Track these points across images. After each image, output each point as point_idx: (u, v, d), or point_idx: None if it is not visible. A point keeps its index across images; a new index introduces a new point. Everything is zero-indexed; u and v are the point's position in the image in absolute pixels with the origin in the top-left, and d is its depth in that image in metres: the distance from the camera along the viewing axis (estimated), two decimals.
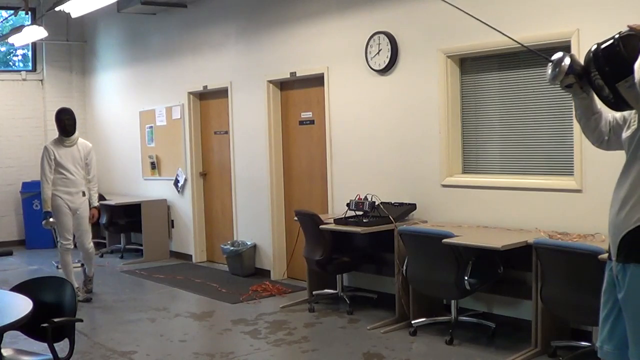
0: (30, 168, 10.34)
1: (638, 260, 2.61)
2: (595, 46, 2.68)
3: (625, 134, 2.80)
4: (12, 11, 10.77)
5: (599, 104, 2.82)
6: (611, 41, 2.63)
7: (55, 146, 6.69)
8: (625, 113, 2.82)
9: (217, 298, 6.80)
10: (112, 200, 9.34)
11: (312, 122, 7.21)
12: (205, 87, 8.45)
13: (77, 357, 4.70)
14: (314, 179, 7.21)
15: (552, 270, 4.45)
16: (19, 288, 3.69)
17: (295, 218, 6.35)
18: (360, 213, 5.84)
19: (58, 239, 6.78)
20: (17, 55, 11.53)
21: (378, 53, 6.21)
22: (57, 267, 8.09)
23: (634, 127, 2.75)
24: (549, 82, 2.86)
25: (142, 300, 6.93)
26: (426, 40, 5.84)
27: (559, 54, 2.78)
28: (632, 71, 2.51)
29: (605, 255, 2.91)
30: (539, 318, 4.65)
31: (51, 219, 6.64)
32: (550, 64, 2.81)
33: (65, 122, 6.72)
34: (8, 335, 3.58)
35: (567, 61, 2.74)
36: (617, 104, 2.68)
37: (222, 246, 8.00)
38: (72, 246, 6.78)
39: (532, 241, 4.58)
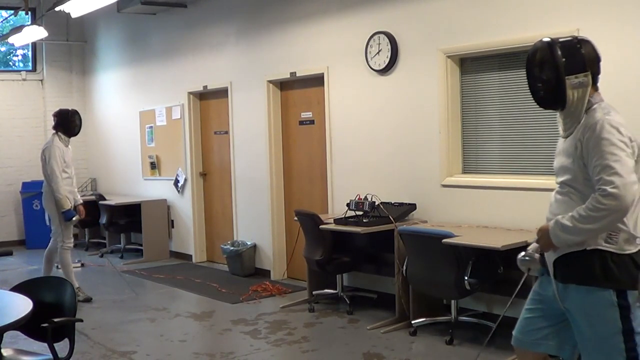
0: (30, 168, 10.35)
1: (576, 282, 2.80)
2: (549, 38, 2.82)
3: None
4: (12, 11, 10.78)
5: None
6: (570, 38, 2.80)
7: (61, 146, 6.71)
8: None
9: (217, 298, 6.80)
10: (112, 200, 9.35)
11: (312, 122, 7.20)
12: (205, 87, 8.45)
13: (77, 357, 4.69)
14: (314, 179, 7.21)
15: None
16: (19, 288, 3.69)
17: (295, 218, 6.35)
18: (360, 213, 5.84)
19: (60, 238, 6.75)
20: (17, 55, 11.53)
21: (378, 53, 6.21)
22: (57, 267, 8.08)
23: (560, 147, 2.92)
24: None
25: (142, 300, 6.93)
26: (426, 40, 5.84)
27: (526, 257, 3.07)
28: (585, 69, 2.72)
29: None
30: None
31: (74, 217, 6.64)
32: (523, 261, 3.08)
33: (78, 123, 6.83)
34: (8, 335, 3.59)
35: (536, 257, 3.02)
36: (548, 100, 2.83)
37: (222, 246, 8.00)
38: (73, 246, 6.82)
39: (532, 241, 4.56)
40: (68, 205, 6.59)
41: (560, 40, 2.80)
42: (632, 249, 2.75)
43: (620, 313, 2.72)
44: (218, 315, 6.21)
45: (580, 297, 2.80)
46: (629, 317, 2.73)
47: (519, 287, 3.41)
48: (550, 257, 2.90)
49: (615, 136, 2.65)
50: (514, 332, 3.14)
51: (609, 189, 2.60)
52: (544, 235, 2.86)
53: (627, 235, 2.73)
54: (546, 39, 2.83)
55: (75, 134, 6.86)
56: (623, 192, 2.58)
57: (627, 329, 2.72)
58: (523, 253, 3.09)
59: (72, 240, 6.78)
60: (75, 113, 6.87)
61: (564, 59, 2.75)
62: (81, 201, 7.00)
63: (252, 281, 7.34)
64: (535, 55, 2.85)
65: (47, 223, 6.92)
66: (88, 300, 6.78)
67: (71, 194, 6.76)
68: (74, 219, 6.64)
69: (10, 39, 9.16)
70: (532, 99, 5.48)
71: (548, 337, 3.00)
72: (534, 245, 3.10)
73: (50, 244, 6.89)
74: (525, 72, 2.95)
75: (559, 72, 2.75)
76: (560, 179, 2.88)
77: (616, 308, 2.72)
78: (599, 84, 2.86)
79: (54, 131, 6.78)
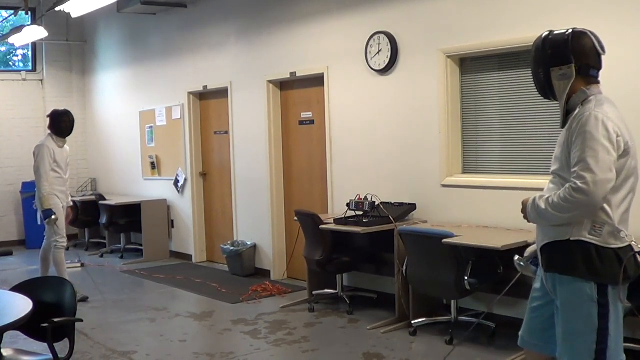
0: (30, 168, 10.13)
1: (558, 271, 2.82)
2: (547, 32, 2.90)
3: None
4: (12, 11, 10.78)
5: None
6: (563, 31, 2.85)
7: (53, 146, 6.74)
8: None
9: (217, 298, 6.80)
10: (112, 200, 9.35)
11: (312, 122, 7.20)
12: (205, 87, 8.45)
13: (77, 357, 4.70)
14: (314, 179, 7.21)
15: None
16: (19, 288, 3.69)
17: (295, 218, 6.35)
18: (360, 213, 5.84)
19: (54, 237, 6.74)
20: (17, 55, 11.53)
21: (378, 53, 6.21)
22: None
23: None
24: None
25: (142, 300, 6.93)
26: (426, 40, 5.84)
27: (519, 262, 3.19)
28: (569, 62, 2.78)
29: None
30: None
31: (53, 217, 6.62)
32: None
33: (68, 124, 6.84)
34: (8, 335, 3.59)
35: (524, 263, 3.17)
36: (545, 90, 2.91)
37: (222, 246, 8.00)
38: (66, 244, 6.84)
39: (532, 241, 4.57)
40: (49, 205, 6.59)
41: (554, 33, 2.88)
42: (617, 244, 2.75)
43: (598, 310, 2.72)
44: (218, 315, 6.21)
45: (561, 288, 2.81)
46: (607, 317, 2.72)
47: (510, 285, 3.54)
48: (537, 244, 2.94)
49: (599, 130, 2.68)
50: (520, 332, 3.13)
51: (579, 183, 2.66)
52: (524, 208, 2.94)
53: (611, 229, 2.74)
54: (544, 33, 2.91)
55: (65, 135, 6.83)
56: (593, 189, 2.63)
57: (602, 329, 2.72)
58: (517, 258, 3.17)
59: (65, 239, 6.77)
60: (64, 114, 6.88)
61: (549, 52, 2.84)
62: (71, 204, 7.03)
63: (252, 281, 7.34)
64: (533, 49, 2.94)
65: (39, 222, 6.93)
66: (84, 299, 6.75)
67: (62, 194, 6.77)
68: (52, 217, 6.60)
69: (10, 39, 9.16)
70: (531, 98, 5.53)
71: (552, 340, 2.95)
72: (530, 249, 3.14)
73: (44, 243, 6.90)
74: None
75: (545, 64, 2.85)
76: (553, 168, 2.91)
77: (595, 304, 2.72)
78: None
79: (49, 131, 6.86)
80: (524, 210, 2.95)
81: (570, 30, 2.84)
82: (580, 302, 2.74)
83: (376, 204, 5.80)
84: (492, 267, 5.08)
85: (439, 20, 5.73)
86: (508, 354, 4.71)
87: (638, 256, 2.86)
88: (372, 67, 6.28)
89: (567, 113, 2.87)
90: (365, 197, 5.90)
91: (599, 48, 2.84)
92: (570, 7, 4.87)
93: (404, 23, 6.02)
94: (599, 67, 2.86)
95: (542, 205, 2.79)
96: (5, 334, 3.34)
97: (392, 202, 5.99)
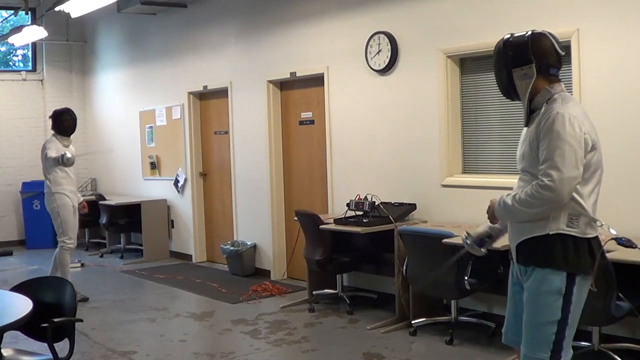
0: (30, 168, 10.35)
1: (537, 264, 2.87)
2: (508, 35, 2.97)
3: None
4: (12, 11, 10.78)
5: None
6: (522, 33, 2.93)
7: (58, 146, 6.67)
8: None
9: (217, 298, 6.80)
10: (112, 200, 9.35)
11: (312, 122, 7.21)
12: (205, 87, 8.45)
13: (77, 357, 4.69)
14: (314, 179, 7.21)
15: None
16: (19, 288, 3.69)
17: (295, 218, 6.35)
18: (360, 213, 5.84)
19: (61, 238, 6.68)
20: (17, 55, 11.53)
21: (378, 53, 6.21)
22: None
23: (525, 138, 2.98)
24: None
25: (142, 300, 6.93)
26: (426, 40, 5.84)
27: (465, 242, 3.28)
28: (529, 62, 2.86)
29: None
30: None
31: (66, 154, 6.43)
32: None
33: (70, 122, 6.79)
34: (8, 335, 3.58)
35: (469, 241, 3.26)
36: (508, 90, 2.99)
37: (222, 246, 8.00)
38: (73, 246, 6.76)
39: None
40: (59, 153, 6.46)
41: (514, 35, 2.96)
42: (593, 233, 2.85)
43: (563, 301, 2.80)
44: (218, 315, 6.21)
45: (534, 278, 2.87)
46: (569, 308, 2.81)
47: (453, 259, 3.83)
48: (512, 241, 3.00)
49: (566, 129, 2.75)
50: (503, 330, 3.18)
51: (546, 180, 2.74)
52: (490, 208, 3.01)
53: (587, 219, 2.82)
54: (505, 36, 2.99)
55: (69, 133, 6.77)
56: (559, 186, 2.72)
57: (562, 319, 2.81)
58: (466, 236, 3.27)
59: (73, 240, 6.68)
60: (64, 112, 6.83)
61: (510, 53, 2.92)
62: (82, 199, 7.01)
63: (252, 281, 7.34)
64: (495, 52, 3.02)
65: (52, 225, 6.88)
66: (84, 300, 6.74)
67: (72, 193, 6.74)
68: (65, 154, 6.41)
69: (10, 39, 9.16)
70: None
71: None
72: (478, 230, 3.25)
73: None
74: None
75: (506, 65, 2.93)
76: (521, 165, 2.97)
77: (561, 297, 2.80)
78: (556, 75, 2.95)
79: (52, 132, 6.83)
80: (489, 210, 3.01)
81: (529, 32, 2.93)
82: (546, 294, 2.82)
83: (376, 204, 5.81)
84: (492, 267, 5.08)
85: (439, 20, 5.73)
86: (508, 354, 4.70)
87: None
88: (372, 67, 6.28)
89: (531, 112, 2.94)
90: (365, 197, 5.91)
91: (558, 48, 2.92)
92: (571, 7, 4.87)
93: (404, 23, 6.02)
94: (558, 66, 2.94)
95: (509, 202, 2.87)
96: (5, 334, 3.33)
97: (392, 202, 5.99)
